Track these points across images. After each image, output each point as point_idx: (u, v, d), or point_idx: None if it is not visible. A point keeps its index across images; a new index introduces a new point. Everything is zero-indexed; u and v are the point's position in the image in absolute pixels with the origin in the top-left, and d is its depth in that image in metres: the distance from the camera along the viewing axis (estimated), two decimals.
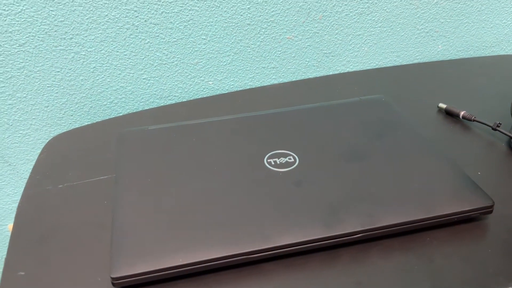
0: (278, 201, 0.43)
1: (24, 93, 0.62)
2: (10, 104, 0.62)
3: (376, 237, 0.41)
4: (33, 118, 0.64)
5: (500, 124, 0.56)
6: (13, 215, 0.72)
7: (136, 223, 0.41)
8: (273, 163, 0.47)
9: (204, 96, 0.70)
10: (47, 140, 0.62)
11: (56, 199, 0.49)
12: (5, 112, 0.63)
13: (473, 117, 0.59)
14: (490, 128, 0.56)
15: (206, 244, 0.39)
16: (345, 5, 0.70)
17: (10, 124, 0.64)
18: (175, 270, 0.38)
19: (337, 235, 0.40)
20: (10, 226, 0.73)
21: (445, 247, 0.41)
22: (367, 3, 0.71)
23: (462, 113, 0.60)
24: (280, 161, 0.47)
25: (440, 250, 0.41)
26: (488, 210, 0.43)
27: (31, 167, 0.68)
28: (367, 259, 0.40)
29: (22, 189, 0.70)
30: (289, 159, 0.48)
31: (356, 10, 0.71)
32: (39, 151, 0.66)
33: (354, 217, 0.41)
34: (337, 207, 0.42)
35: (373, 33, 0.74)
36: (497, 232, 0.43)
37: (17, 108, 0.63)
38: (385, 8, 0.72)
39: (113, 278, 0.37)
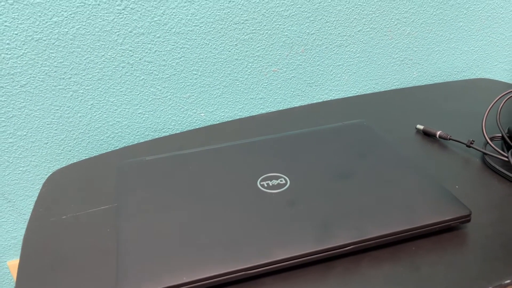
0: (273, 220, 0.46)
1: (25, 131, 0.65)
2: (11, 142, 0.65)
3: (366, 249, 0.45)
4: (33, 155, 0.67)
5: (473, 141, 0.60)
6: (12, 252, 0.73)
7: (139, 246, 0.44)
8: (265, 185, 0.51)
9: (197, 127, 0.74)
10: (47, 176, 0.64)
11: (61, 229, 0.51)
12: (6, 150, 0.65)
13: (448, 136, 0.63)
14: (465, 145, 0.61)
15: (208, 262, 0.42)
16: (325, 38, 0.75)
17: (11, 161, 0.66)
18: None
19: (329, 248, 0.43)
20: (8, 263, 0.74)
21: (430, 255, 0.45)
22: (345, 35, 0.76)
23: (438, 133, 0.64)
24: (272, 183, 0.51)
25: (425, 258, 0.44)
26: (466, 219, 0.46)
27: (31, 203, 0.70)
28: (359, 269, 0.43)
29: (22, 225, 0.72)
30: (281, 181, 0.51)
31: (335, 42, 0.76)
32: (38, 187, 0.69)
33: (344, 231, 0.44)
34: (328, 223, 0.45)
35: (352, 63, 0.80)
36: (476, 239, 0.46)
37: (18, 146, 0.66)
38: (362, 39, 0.78)
39: None
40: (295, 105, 0.79)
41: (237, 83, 0.73)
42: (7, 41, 0.59)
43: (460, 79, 0.90)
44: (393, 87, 0.85)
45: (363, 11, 0.75)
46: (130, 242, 0.44)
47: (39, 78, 0.62)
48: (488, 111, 0.62)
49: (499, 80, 0.91)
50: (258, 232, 0.45)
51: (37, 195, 0.59)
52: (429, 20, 0.81)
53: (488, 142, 0.59)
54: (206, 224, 0.46)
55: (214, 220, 0.46)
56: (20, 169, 0.67)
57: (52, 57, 0.62)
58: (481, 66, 0.90)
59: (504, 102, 0.62)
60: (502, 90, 0.64)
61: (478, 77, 0.91)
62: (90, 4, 0.60)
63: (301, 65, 0.76)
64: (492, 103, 0.62)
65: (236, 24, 0.69)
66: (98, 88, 0.66)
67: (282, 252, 0.42)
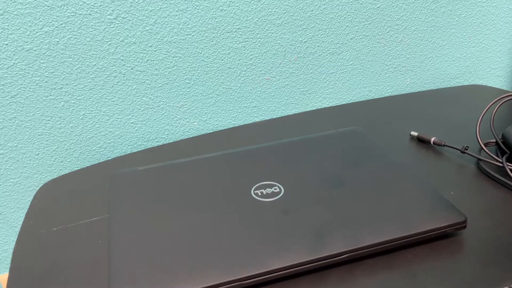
0: (268, 229, 0.45)
1: (15, 142, 0.64)
2: (1, 154, 0.64)
3: (361, 257, 0.44)
4: (24, 166, 0.66)
5: (468, 147, 0.60)
6: (3, 265, 0.72)
7: (132, 257, 0.43)
8: (259, 194, 0.50)
9: (190, 136, 0.73)
10: (38, 188, 0.63)
11: (51, 242, 0.50)
12: None
13: (443, 142, 0.63)
14: (459, 151, 0.61)
15: (201, 273, 0.41)
16: (318, 46, 0.75)
17: (1, 173, 0.65)
18: None
19: (324, 256, 0.42)
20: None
21: (426, 263, 0.44)
22: (337, 43, 0.76)
23: (432, 139, 0.64)
24: (267, 192, 0.50)
25: (421, 265, 0.44)
26: (461, 225, 0.46)
27: (22, 215, 0.69)
28: (354, 278, 0.43)
29: (13, 238, 0.71)
30: (275, 189, 0.51)
31: (328, 50, 0.76)
32: (29, 198, 0.68)
33: (339, 239, 0.44)
34: (323, 231, 0.45)
35: (345, 70, 0.80)
36: (472, 245, 0.46)
37: (8, 157, 0.65)
38: (355, 47, 0.78)
39: None
40: (289, 113, 0.79)
41: (230, 92, 0.73)
42: None
43: (453, 85, 0.90)
44: (387, 94, 0.85)
45: (355, 19, 0.76)
46: (122, 253, 0.43)
47: (30, 88, 0.62)
48: (482, 117, 0.62)
49: (492, 86, 0.91)
50: (252, 241, 0.44)
51: (28, 207, 0.58)
52: (421, 27, 0.81)
53: (482, 148, 0.59)
54: (200, 234, 0.45)
55: (207, 229, 0.46)
56: (11, 180, 0.67)
57: (43, 67, 0.61)
58: (474, 72, 0.91)
59: (497, 108, 0.62)
60: (495, 96, 0.64)
61: (471, 84, 0.91)
62: (81, 14, 0.60)
63: (294, 73, 0.76)
64: (486, 109, 0.62)
65: (228, 32, 0.69)
66: (90, 98, 0.65)
67: (276, 262, 0.42)
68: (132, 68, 0.65)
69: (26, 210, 0.66)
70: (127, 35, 0.63)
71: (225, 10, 0.67)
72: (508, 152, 0.57)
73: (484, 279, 0.42)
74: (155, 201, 0.50)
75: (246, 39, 0.70)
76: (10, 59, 0.59)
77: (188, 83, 0.70)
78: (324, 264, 0.43)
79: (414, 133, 0.66)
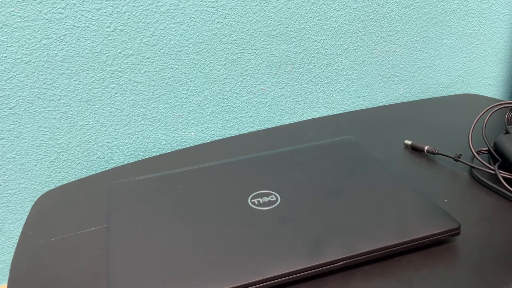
0: (265, 237, 0.46)
1: (13, 154, 0.65)
2: None
3: (357, 264, 0.44)
4: (22, 178, 0.66)
5: (461, 155, 0.61)
6: (1, 276, 0.72)
7: (130, 268, 0.43)
8: (256, 202, 0.51)
9: (187, 146, 0.74)
10: (35, 199, 0.64)
11: (50, 252, 0.50)
12: None
13: (436, 151, 0.64)
14: (452, 159, 0.62)
15: (199, 283, 0.41)
16: (312, 57, 0.77)
17: None
18: None
19: (321, 264, 0.43)
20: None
21: (421, 269, 0.45)
22: (331, 54, 0.78)
23: (426, 147, 0.65)
24: (263, 201, 0.51)
25: (416, 272, 0.44)
26: (455, 232, 0.47)
27: (20, 226, 0.69)
28: (351, 285, 0.43)
29: (10, 249, 0.71)
30: (271, 198, 0.51)
31: (323, 61, 0.78)
32: (27, 209, 0.68)
33: (335, 246, 0.44)
34: (319, 239, 0.45)
35: (339, 80, 0.81)
36: (466, 251, 0.47)
37: (6, 169, 0.65)
38: (349, 58, 0.79)
39: None
40: (285, 123, 0.80)
41: (227, 102, 0.74)
42: None
43: (446, 94, 0.91)
44: (381, 104, 0.86)
45: (348, 30, 0.77)
46: (120, 263, 0.44)
47: (28, 100, 0.62)
48: (474, 125, 0.63)
49: (483, 95, 0.93)
50: (249, 249, 0.44)
51: (26, 217, 0.58)
52: (414, 38, 0.83)
53: (475, 156, 0.60)
54: (197, 243, 0.46)
55: (205, 238, 0.46)
56: (9, 191, 0.67)
57: (42, 79, 0.62)
58: (466, 81, 0.92)
59: (489, 117, 0.63)
60: (487, 105, 0.65)
61: (464, 93, 0.93)
62: (79, 27, 0.61)
63: (289, 83, 0.77)
64: (478, 118, 0.64)
65: (224, 44, 0.70)
66: (87, 109, 0.66)
67: (273, 270, 0.42)
68: (129, 80, 0.66)
69: (24, 221, 0.66)
70: (125, 47, 0.64)
71: (221, 22, 0.68)
72: (500, 159, 0.58)
73: (479, 285, 0.43)
74: (153, 211, 0.51)
75: (242, 51, 0.71)
76: (9, 71, 0.60)
77: (185, 93, 0.71)
78: (320, 272, 0.43)
79: (408, 142, 0.67)
